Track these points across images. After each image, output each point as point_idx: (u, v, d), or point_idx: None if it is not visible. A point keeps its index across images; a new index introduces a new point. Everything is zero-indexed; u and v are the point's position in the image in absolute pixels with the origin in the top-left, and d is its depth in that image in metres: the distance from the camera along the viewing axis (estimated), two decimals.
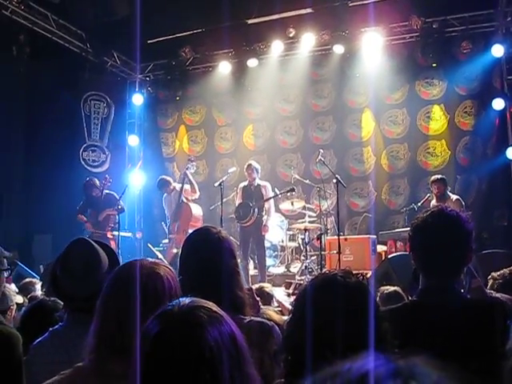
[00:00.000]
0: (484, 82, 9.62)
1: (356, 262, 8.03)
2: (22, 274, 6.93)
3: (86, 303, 1.98)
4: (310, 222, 8.96)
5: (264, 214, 8.53)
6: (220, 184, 8.43)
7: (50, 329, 2.16)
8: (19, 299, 4.02)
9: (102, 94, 11.45)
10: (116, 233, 8.76)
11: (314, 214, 9.39)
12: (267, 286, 5.03)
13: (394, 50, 10.10)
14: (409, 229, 2.21)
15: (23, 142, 10.29)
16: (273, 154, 11.18)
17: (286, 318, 2.78)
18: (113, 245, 8.27)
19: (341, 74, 10.55)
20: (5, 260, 2.55)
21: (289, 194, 8.79)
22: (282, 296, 6.33)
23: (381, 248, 8.80)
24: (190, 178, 9.07)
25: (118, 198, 8.87)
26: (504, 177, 9.12)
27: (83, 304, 2.09)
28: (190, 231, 2.64)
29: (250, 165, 8.69)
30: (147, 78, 12.17)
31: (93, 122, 11.37)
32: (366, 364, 0.59)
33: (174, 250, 8.36)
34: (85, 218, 8.96)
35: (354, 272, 1.59)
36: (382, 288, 4.18)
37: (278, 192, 8.82)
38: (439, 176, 8.18)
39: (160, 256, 8.47)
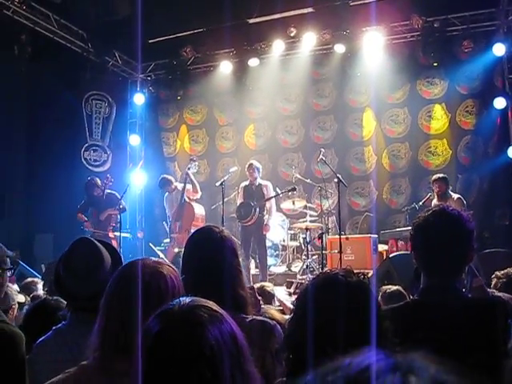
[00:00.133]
0: (485, 81, 9.61)
1: (357, 261, 8.03)
2: (23, 273, 6.95)
3: (89, 302, 1.99)
4: (311, 222, 8.96)
5: (265, 213, 8.53)
6: (221, 183, 8.43)
7: (54, 328, 2.17)
8: (21, 298, 4.03)
9: (103, 94, 11.46)
10: (117, 233, 8.77)
11: (315, 214, 9.39)
12: (268, 286, 5.03)
13: (395, 50, 10.09)
14: (410, 228, 2.21)
15: (25, 142, 10.31)
16: (274, 154, 11.18)
17: (287, 317, 2.79)
18: (114, 244, 8.26)
19: (342, 73, 10.56)
20: (8, 259, 2.56)
21: (290, 193, 8.79)
22: (283, 295, 6.34)
23: (382, 247, 8.80)
24: (192, 178, 9.07)
25: (119, 197, 8.87)
26: (505, 176, 9.11)
27: (86, 303, 2.10)
28: (193, 231, 2.65)
29: (251, 164, 8.69)
30: (148, 78, 12.18)
31: (94, 121, 11.38)
32: (366, 359, 0.60)
33: (175, 250, 8.36)
34: (84, 218, 8.97)
35: (355, 271, 1.60)
36: (384, 287, 4.18)
37: (279, 191, 8.82)
38: (441, 175, 8.17)
39: (161, 255, 8.47)
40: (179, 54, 11.20)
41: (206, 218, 9.13)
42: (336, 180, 7.89)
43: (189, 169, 9.03)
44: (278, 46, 10.52)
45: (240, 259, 2.30)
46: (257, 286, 4.63)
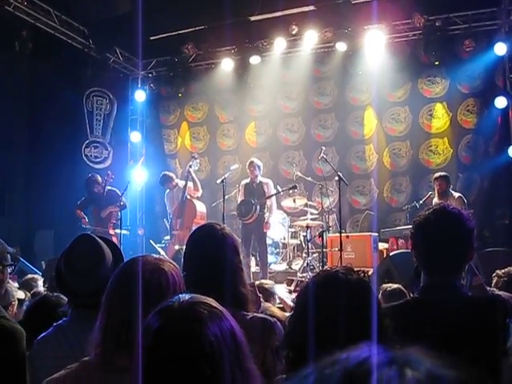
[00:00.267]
0: (486, 80, 9.61)
1: (357, 259, 8.03)
2: (23, 270, 6.95)
3: (91, 299, 2.00)
4: (311, 220, 8.96)
5: (266, 211, 8.53)
6: (222, 181, 8.43)
7: (54, 324, 2.17)
8: (21, 295, 4.02)
9: (104, 91, 11.46)
10: (118, 230, 8.78)
11: (316, 212, 9.39)
12: (267, 283, 5.04)
13: (397, 48, 10.08)
14: (410, 226, 2.22)
15: (25, 138, 10.31)
16: (275, 152, 11.18)
17: (288, 314, 2.79)
18: (115, 241, 8.27)
19: (343, 71, 10.55)
20: (8, 256, 2.56)
21: (291, 191, 8.79)
22: (283, 293, 6.35)
23: (382, 245, 8.80)
24: (193, 175, 9.07)
25: (120, 194, 8.88)
26: (506, 175, 9.12)
27: (87, 300, 2.10)
28: (194, 228, 2.65)
29: (252, 162, 8.69)
30: (150, 75, 12.17)
31: (95, 118, 11.37)
32: (363, 353, 0.61)
33: (176, 247, 8.36)
34: (83, 214, 8.95)
35: (356, 269, 1.60)
36: (385, 285, 4.19)
37: (280, 189, 8.82)
38: (442, 173, 8.18)
39: (162, 252, 8.48)
40: (180, 51, 11.19)
41: (207, 216, 9.14)
42: (337, 178, 7.90)
43: (190, 166, 9.03)
44: (279, 43, 10.52)
45: (241, 257, 2.31)
46: (256, 283, 4.63)
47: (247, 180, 8.77)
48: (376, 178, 10.29)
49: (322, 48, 10.67)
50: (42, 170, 9.62)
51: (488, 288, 3.00)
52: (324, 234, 8.37)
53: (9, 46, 9.06)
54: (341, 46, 10.20)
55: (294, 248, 9.66)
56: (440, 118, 10.08)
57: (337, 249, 7.59)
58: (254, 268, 8.85)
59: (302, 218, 9.24)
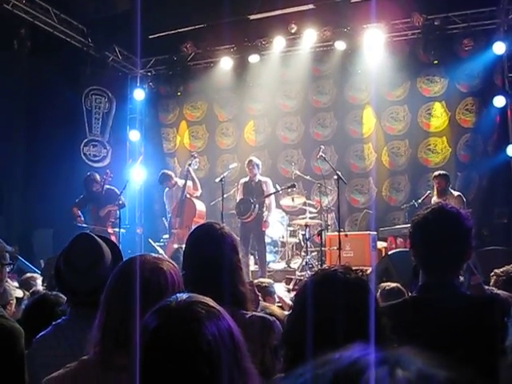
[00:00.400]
0: (485, 79, 9.61)
1: (356, 258, 8.04)
2: (22, 268, 6.94)
3: (90, 297, 2.00)
4: (310, 218, 8.97)
5: (265, 209, 8.54)
6: (221, 180, 8.44)
7: (53, 323, 2.17)
8: (19, 293, 4.02)
9: (103, 89, 11.44)
10: (116, 229, 8.78)
11: (315, 210, 9.39)
12: (265, 282, 5.04)
13: (396, 47, 10.08)
14: (409, 225, 2.22)
15: (24, 136, 10.28)
16: (274, 150, 11.18)
17: (287, 313, 2.80)
18: (114, 240, 8.28)
19: (342, 70, 10.55)
20: (7, 254, 2.56)
21: (289, 189, 8.79)
22: (282, 292, 6.35)
23: (381, 244, 8.81)
24: (193, 174, 9.06)
25: (118, 193, 8.87)
26: (504, 174, 9.13)
27: (86, 298, 2.10)
28: (193, 227, 2.66)
29: (250, 161, 8.69)
30: (149, 73, 12.17)
31: (94, 116, 11.35)
32: (355, 353, 0.62)
33: (175, 245, 8.37)
34: (79, 212, 8.92)
35: (354, 268, 1.60)
36: (383, 284, 4.20)
37: (278, 188, 8.82)
38: (441, 171, 8.18)
39: (161, 251, 8.48)
40: (179, 50, 11.18)
41: (206, 215, 9.14)
42: (335, 177, 7.91)
43: (190, 165, 9.02)
44: (278, 42, 10.51)
45: (240, 256, 2.31)
46: (254, 282, 4.63)
47: (246, 179, 8.77)
48: (375, 176, 10.29)
49: (321, 47, 10.67)
50: (41, 169, 9.61)
51: (486, 287, 2.99)
52: (323, 232, 8.38)
53: (7, 45, 9.05)
54: (340, 45, 10.19)
55: (292, 247, 9.66)
56: (439, 116, 10.09)
57: (335, 247, 7.60)
58: (252, 267, 8.85)
59: (300, 216, 9.25)
